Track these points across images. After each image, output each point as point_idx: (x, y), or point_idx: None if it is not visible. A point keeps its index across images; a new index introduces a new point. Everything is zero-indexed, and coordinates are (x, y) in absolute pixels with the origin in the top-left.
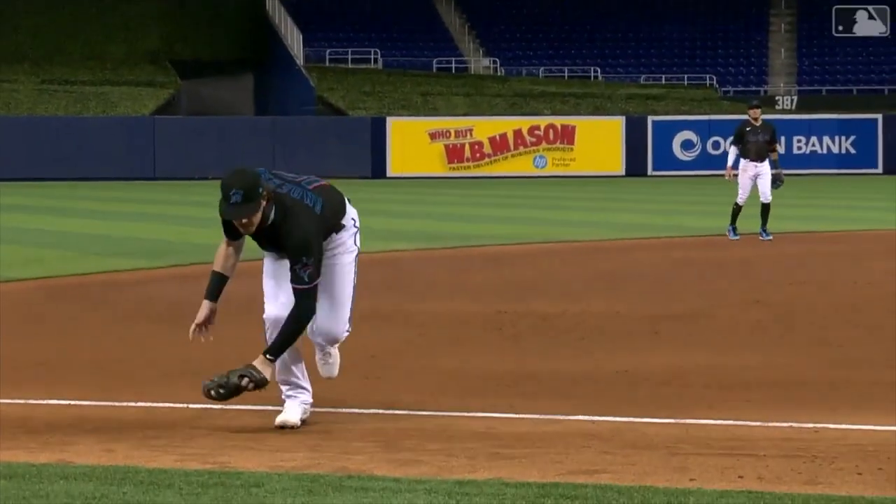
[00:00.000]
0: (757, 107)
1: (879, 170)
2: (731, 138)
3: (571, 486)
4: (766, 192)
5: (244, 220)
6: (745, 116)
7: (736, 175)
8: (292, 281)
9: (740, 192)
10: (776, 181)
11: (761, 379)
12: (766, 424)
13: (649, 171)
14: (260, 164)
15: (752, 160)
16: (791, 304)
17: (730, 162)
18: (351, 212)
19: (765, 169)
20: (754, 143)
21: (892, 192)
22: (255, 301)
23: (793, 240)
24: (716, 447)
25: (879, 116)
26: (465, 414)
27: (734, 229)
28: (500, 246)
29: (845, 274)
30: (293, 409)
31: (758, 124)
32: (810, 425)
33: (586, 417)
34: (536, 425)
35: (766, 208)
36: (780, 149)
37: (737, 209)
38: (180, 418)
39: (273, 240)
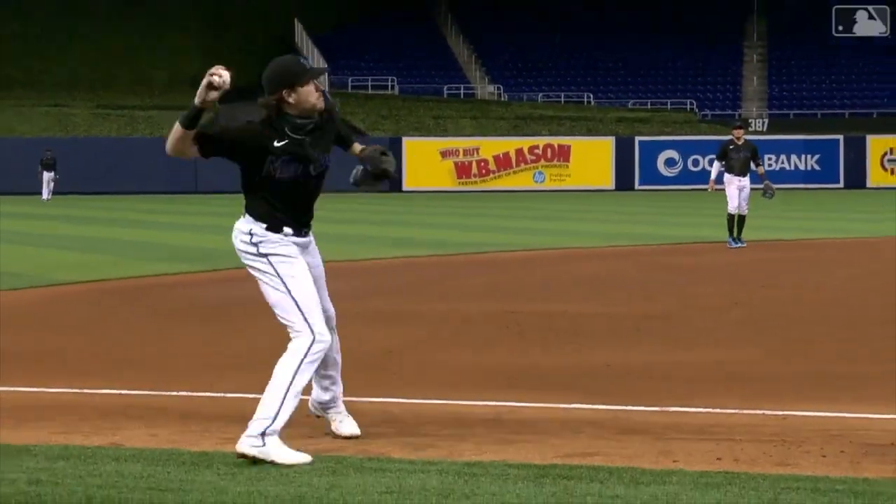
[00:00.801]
0: (740, 127)
1: (841, 185)
2: (713, 155)
3: (567, 468)
4: (743, 206)
5: (321, 86)
6: (723, 137)
7: (717, 188)
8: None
9: (730, 202)
10: (767, 192)
11: (735, 372)
12: (740, 412)
13: (636, 186)
14: None
15: (735, 174)
16: (762, 304)
17: (713, 176)
18: None
19: (746, 183)
20: (737, 159)
21: (852, 204)
22: None
23: (765, 247)
24: (696, 433)
25: (840, 137)
26: (474, 403)
27: (733, 239)
28: (504, 252)
29: (813, 278)
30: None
31: (741, 143)
32: (780, 413)
33: (581, 406)
34: (538, 413)
35: (742, 219)
36: (763, 166)
37: (730, 218)
38: (219, 406)
39: (321, 133)
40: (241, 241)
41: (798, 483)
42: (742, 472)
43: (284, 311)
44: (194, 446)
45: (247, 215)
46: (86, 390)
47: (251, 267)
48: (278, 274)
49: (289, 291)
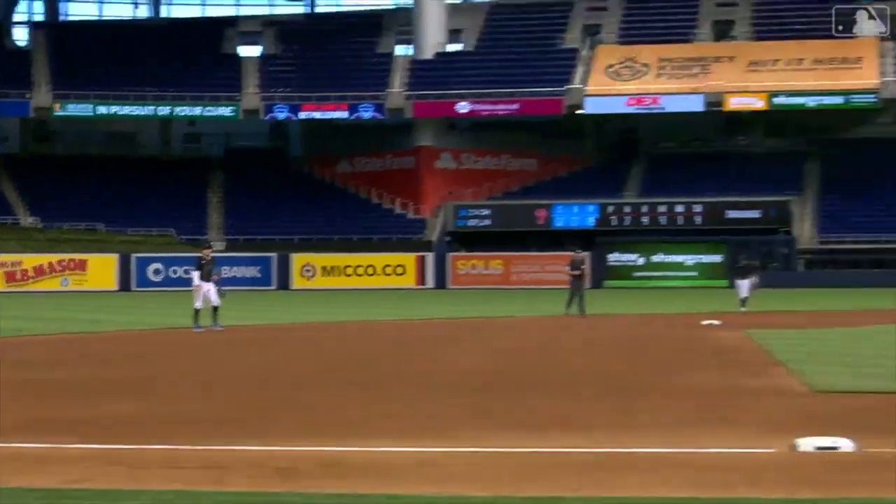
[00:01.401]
0: (208, 247)
1: (274, 287)
2: (190, 266)
3: (70, 490)
4: (215, 299)
5: None
6: (196, 254)
7: (199, 289)
8: None
9: (196, 300)
10: (221, 292)
11: (185, 418)
12: (194, 448)
13: (132, 288)
14: None
15: (205, 280)
16: (218, 367)
17: (195, 282)
18: None
19: (212, 286)
20: (207, 269)
21: (283, 301)
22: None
23: (233, 330)
24: (163, 464)
25: (274, 255)
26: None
27: (198, 326)
28: (43, 336)
29: (265, 350)
30: None
31: (209, 258)
32: (220, 448)
33: (83, 446)
34: (53, 451)
35: (216, 309)
36: (222, 274)
37: (196, 311)
38: None
39: None
40: None
41: (228, 498)
42: (187, 490)
43: None
44: None
45: None
46: None
47: None
48: None
49: None
